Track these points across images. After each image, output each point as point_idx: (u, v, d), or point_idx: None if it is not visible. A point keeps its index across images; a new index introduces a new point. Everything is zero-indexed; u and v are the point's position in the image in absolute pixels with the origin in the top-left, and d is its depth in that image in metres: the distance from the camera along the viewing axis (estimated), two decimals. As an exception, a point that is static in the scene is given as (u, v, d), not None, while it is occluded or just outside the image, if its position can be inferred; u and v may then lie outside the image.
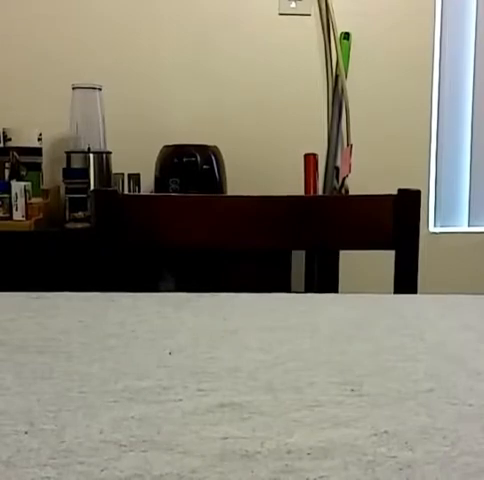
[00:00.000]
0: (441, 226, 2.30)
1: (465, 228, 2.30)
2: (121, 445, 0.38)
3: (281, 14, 2.17)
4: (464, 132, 2.27)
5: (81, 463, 0.36)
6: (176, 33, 2.15)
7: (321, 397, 0.46)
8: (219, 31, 2.16)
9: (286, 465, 0.36)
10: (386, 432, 0.40)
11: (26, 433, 0.40)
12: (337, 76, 2.19)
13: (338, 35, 2.17)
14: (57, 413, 0.43)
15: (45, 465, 0.36)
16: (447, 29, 2.22)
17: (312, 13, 2.18)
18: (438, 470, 0.35)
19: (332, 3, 2.16)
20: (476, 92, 2.25)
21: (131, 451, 0.37)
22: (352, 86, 2.18)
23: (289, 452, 0.37)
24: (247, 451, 0.38)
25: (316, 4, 2.18)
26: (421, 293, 0.94)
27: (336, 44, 2.17)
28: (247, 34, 2.17)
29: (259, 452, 0.37)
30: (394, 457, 0.37)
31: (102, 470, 0.35)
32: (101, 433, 0.40)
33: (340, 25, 2.17)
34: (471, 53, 2.24)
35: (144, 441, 0.39)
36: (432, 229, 2.29)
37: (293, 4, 2.17)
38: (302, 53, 2.19)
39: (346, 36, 2.17)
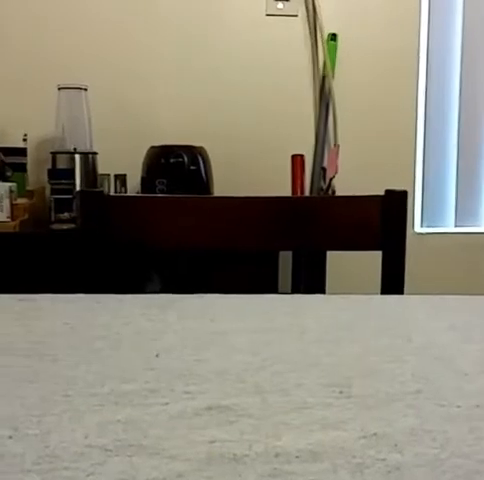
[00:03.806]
0: (427, 226, 2.30)
1: (451, 229, 2.31)
2: (107, 450, 0.38)
3: (268, 15, 2.17)
4: (450, 132, 2.28)
5: (66, 468, 0.35)
6: (163, 33, 2.14)
7: (309, 399, 0.46)
8: (206, 31, 2.16)
9: (274, 469, 0.36)
10: (375, 434, 0.40)
11: (10, 438, 0.39)
12: (324, 77, 2.19)
13: (325, 36, 2.17)
14: (42, 417, 0.42)
15: (29, 471, 0.35)
16: (434, 29, 2.23)
17: (299, 14, 2.18)
18: (427, 472, 0.35)
19: (319, 4, 2.16)
20: (463, 92, 2.26)
21: (117, 456, 0.37)
22: (339, 87, 2.18)
23: (277, 455, 0.37)
24: (235, 454, 0.37)
25: (303, 5, 2.18)
26: (408, 293, 0.94)
27: (323, 45, 2.17)
28: (234, 35, 2.16)
29: (247, 455, 0.37)
30: (383, 460, 0.37)
31: (88, 475, 0.34)
32: (86, 437, 0.39)
33: (327, 26, 2.17)
34: (458, 53, 2.25)
35: (130, 445, 0.38)
36: (418, 229, 2.29)
37: (280, 5, 2.17)
38: (289, 54, 2.19)
39: (333, 37, 2.18)
